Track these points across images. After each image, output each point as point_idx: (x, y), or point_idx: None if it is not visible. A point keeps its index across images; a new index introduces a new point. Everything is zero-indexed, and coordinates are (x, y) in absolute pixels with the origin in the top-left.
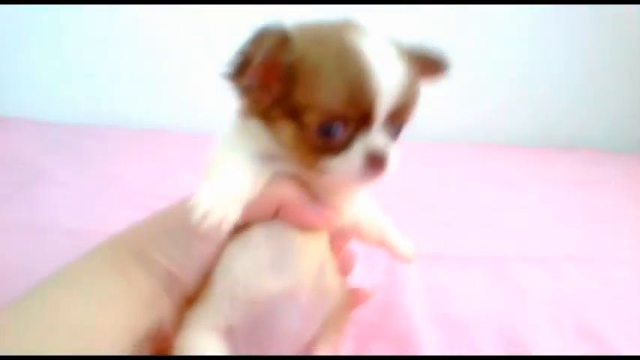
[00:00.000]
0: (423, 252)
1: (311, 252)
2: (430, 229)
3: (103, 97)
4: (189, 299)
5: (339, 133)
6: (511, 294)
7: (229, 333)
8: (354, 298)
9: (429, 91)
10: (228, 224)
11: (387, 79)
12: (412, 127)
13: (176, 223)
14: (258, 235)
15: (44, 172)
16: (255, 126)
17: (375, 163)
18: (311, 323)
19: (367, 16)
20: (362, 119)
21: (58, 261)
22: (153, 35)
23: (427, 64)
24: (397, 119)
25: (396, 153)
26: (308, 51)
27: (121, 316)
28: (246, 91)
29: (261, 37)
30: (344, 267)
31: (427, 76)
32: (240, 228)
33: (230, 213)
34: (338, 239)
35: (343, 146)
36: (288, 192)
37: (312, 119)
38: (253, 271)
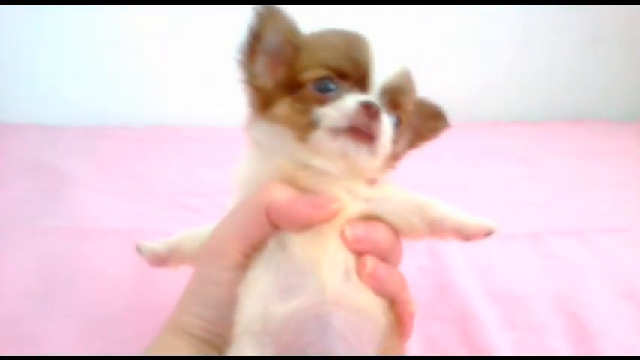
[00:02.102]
0: None
1: (322, 264)
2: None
3: (107, 97)
4: None
5: (334, 88)
6: (556, 267)
7: None
8: (400, 319)
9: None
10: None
11: (384, 56)
12: None
13: (193, 279)
14: (257, 266)
15: (68, 177)
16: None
17: (369, 111)
18: (357, 350)
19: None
20: (357, 80)
21: (115, 261)
22: (154, 33)
23: (429, 113)
24: (392, 105)
25: (389, 132)
26: (314, 35)
27: None
28: (253, 76)
29: (269, 16)
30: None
31: (428, 126)
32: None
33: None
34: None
35: (337, 98)
36: (273, 193)
37: (309, 75)
38: (260, 302)
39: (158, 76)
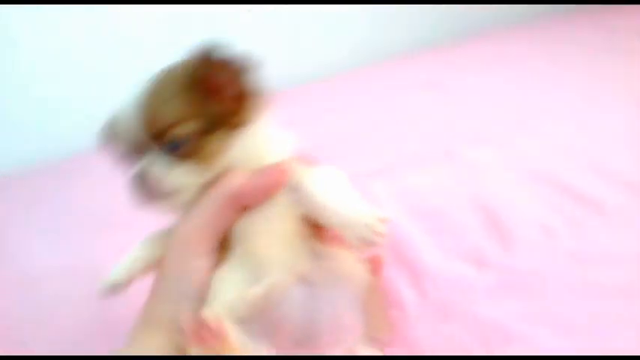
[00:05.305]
0: (374, 168)
1: (287, 262)
2: (368, 146)
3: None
4: None
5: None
6: (472, 173)
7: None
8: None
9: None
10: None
11: (120, 120)
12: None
13: (164, 274)
14: (230, 268)
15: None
16: None
17: (134, 184)
18: (326, 309)
19: None
20: (132, 150)
21: (68, 298)
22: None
23: (218, 77)
24: (156, 137)
25: (169, 167)
26: None
27: None
28: None
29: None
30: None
31: (233, 82)
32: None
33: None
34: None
35: None
36: (235, 180)
37: None
38: (234, 289)
39: None
